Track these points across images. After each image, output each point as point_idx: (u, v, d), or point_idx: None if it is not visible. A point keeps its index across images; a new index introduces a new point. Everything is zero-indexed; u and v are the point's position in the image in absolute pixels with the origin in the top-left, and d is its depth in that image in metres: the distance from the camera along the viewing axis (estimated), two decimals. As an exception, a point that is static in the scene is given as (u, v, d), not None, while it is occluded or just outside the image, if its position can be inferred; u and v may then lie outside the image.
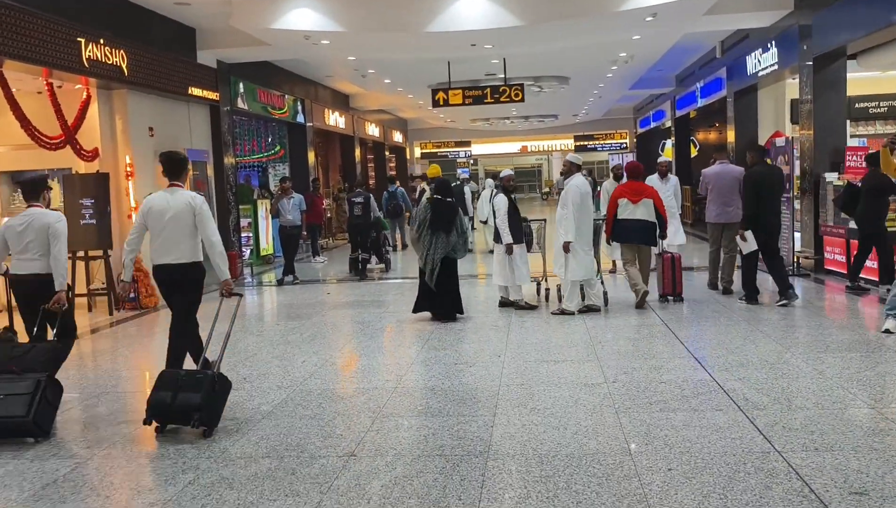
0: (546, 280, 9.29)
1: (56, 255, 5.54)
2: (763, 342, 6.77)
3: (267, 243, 15.82)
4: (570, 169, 8.55)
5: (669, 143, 27.53)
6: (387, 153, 28.34)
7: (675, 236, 10.85)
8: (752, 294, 8.61)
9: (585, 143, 33.58)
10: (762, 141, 14.56)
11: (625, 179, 9.37)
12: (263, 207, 15.51)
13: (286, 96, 17.10)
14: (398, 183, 18.10)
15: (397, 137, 30.42)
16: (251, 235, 15.52)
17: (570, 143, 35.44)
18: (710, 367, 6.00)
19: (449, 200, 8.49)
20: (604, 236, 9.01)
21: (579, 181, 8.35)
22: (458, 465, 4.18)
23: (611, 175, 12.61)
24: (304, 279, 12.79)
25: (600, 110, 29.16)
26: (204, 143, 13.20)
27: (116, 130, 10.74)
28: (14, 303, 5.94)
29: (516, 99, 13.55)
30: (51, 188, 6.35)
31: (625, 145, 33.16)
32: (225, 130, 13.73)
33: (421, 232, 8.27)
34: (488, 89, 13.71)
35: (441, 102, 13.86)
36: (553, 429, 4.70)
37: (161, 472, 4.34)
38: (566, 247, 8.23)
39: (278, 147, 18.45)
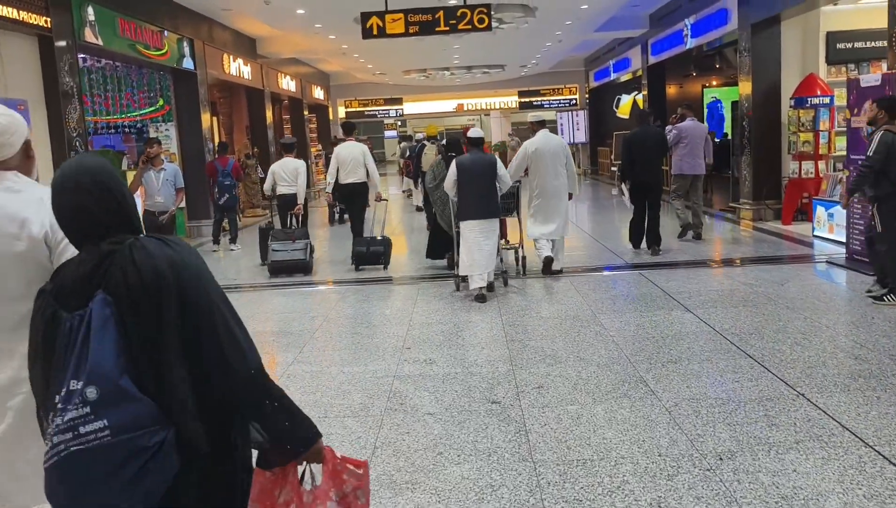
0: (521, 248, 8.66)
1: (301, 184, 10.19)
2: None
3: (143, 229, 11.79)
4: (533, 129, 8.59)
5: (626, 97, 24.23)
6: (306, 113, 23.96)
7: None
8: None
9: (531, 99, 29.83)
10: (793, 86, 11.40)
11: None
12: (136, 180, 11.45)
13: (166, 33, 12.91)
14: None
15: (318, 93, 26.14)
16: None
17: (513, 100, 31.71)
18: None
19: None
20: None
21: (531, 141, 8.46)
22: None
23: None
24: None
25: (551, 61, 25.53)
26: (29, 90, 9.06)
27: None
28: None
29: (480, 26, 9.75)
30: (294, 147, 10.73)
31: (574, 102, 29.65)
32: (64, 74, 9.58)
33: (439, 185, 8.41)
34: (441, 13, 9.85)
35: (375, 32, 9.94)
36: None
37: None
38: None
39: (161, 102, 14.22)
